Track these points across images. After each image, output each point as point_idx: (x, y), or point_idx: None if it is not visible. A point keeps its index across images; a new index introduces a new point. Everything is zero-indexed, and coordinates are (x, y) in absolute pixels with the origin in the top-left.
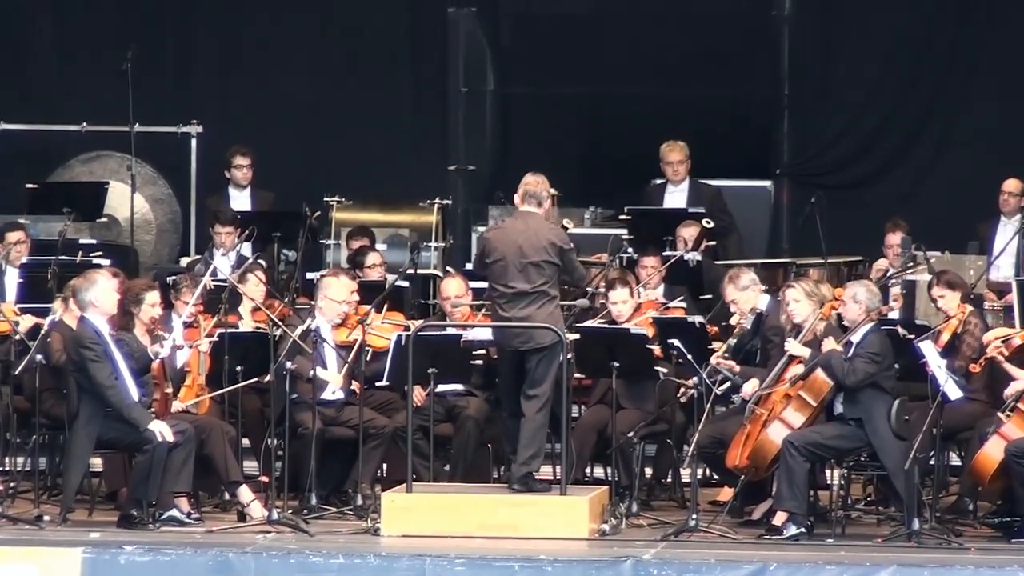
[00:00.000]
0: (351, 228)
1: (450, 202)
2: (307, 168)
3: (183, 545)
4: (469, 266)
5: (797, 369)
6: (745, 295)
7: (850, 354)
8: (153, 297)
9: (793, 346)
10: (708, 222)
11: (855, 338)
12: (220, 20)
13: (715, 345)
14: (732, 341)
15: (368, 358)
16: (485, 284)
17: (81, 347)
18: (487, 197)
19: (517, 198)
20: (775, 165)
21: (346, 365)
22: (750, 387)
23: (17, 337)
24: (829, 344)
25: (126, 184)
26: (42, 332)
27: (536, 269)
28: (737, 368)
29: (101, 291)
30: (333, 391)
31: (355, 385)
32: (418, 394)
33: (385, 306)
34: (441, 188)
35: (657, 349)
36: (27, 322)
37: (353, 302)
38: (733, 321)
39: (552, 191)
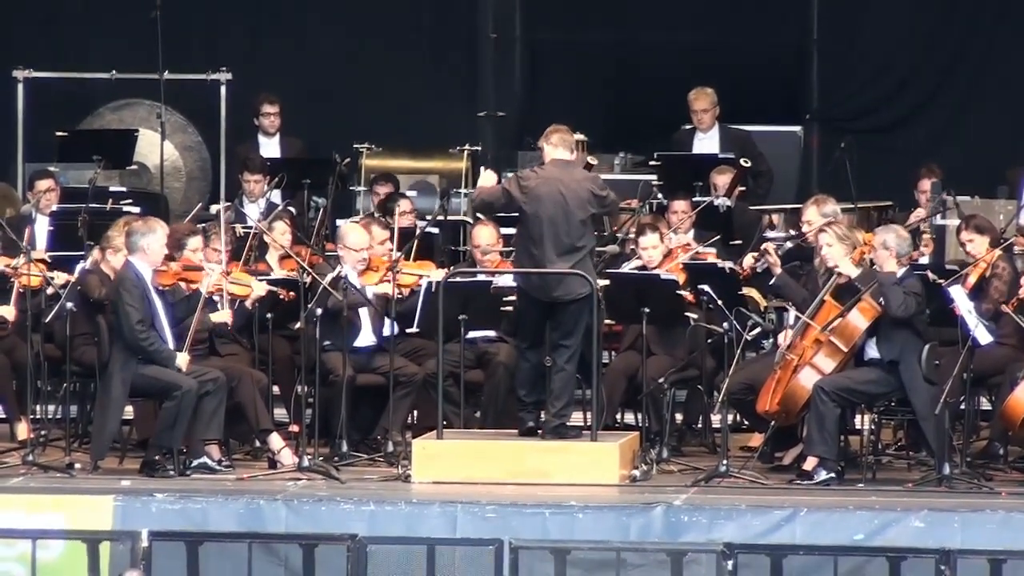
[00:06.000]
0: (376, 175)
1: (480, 148)
2: (336, 115)
3: (214, 492)
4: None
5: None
6: (821, 222)
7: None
8: (196, 242)
9: (845, 264)
10: (746, 162)
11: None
12: None
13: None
14: (789, 245)
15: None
16: (513, 230)
17: (121, 288)
18: (517, 143)
19: (547, 145)
20: (805, 110)
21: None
22: (784, 338)
23: (50, 292)
24: (889, 264)
25: (156, 132)
26: (72, 279)
27: (582, 225)
28: (779, 269)
29: (155, 240)
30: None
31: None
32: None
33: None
34: (470, 134)
35: (688, 294)
36: (60, 279)
37: (371, 247)
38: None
39: (579, 136)
